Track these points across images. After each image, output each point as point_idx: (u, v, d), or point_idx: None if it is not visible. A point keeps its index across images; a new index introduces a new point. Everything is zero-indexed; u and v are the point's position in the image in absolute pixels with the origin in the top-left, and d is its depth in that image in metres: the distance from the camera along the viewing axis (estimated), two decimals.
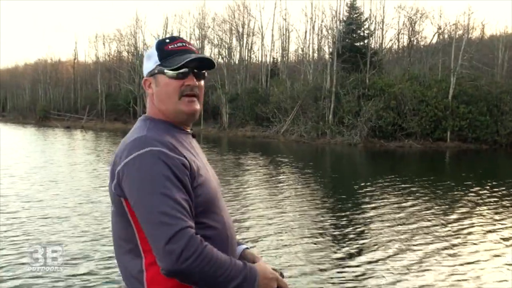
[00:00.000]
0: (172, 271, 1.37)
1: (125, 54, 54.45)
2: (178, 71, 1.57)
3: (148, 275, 1.48)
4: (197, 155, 1.62)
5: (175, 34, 49.03)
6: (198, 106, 1.62)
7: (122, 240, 1.55)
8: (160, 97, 1.60)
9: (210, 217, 1.55)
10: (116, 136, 33.18)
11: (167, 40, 1.62)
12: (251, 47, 45.98)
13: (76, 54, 59.36)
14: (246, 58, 45.56)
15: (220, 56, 47.05)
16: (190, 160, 1.51)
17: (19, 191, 11.66)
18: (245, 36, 45.25)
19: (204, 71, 1.64)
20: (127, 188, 1.46)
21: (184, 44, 1.62)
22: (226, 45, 46.92)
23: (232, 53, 47.00)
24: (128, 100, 45.30)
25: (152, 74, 1.61)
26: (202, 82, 1.65)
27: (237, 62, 45.24)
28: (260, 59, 45.09)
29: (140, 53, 49.77)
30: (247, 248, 1.79)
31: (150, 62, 1.62)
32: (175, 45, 1.60)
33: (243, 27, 45.18)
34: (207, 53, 47.96)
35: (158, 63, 1.59)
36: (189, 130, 1.68)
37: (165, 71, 1.57)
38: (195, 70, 1.61)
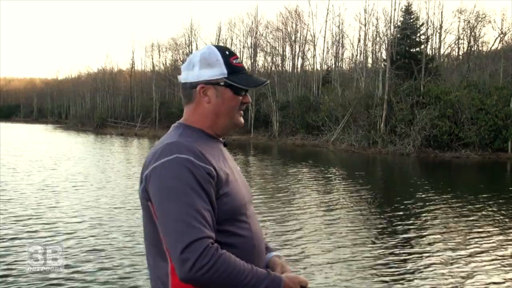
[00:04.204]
0: (186, 280, 1.38)
1: (179, 62, 55.41)
2: (243, 89, 1.62)
3: (173, 280, 1.48)
4: (227, 163, 1.62)
5: (228, 42, 49.55)
6: None
7: (150, 243, 1.57)
8: (220, 109, 1.62)
9: (236, 225, 1.55)
10: None
11: (227, 52, 1.64)
12: (304, 54, 45.51)
13: (133, 63, 60.90)
14: (298, 66, 45.13)
15: (273, 65, 46.95)
16: (217, 169, 1.51)
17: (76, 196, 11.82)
18: (297, 43, 44.85)
19: None
20: (151, 192, 1.48)
21: (240, 60, 1.67)
22: (278, 53, 46.70)
23: (284, 61, 46.70)
24: (181, 108, 45.31)
25: (213, 83, 1.60)
26: None
27: (289, 70, 44.87)
28: (312, 67, 44.56)
29: None
30: (278, 256, 1.75)
31: (213, 70, 1.60)
32: (237, 61, 1.64)
33: (295, 35, 44.81)
34: (259, 61, 48.08)
35: (226, 76, 1.60)
36: (221, 139, 1.69)
37: (237, 86, 1.60)
38: None
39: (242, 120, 1.68)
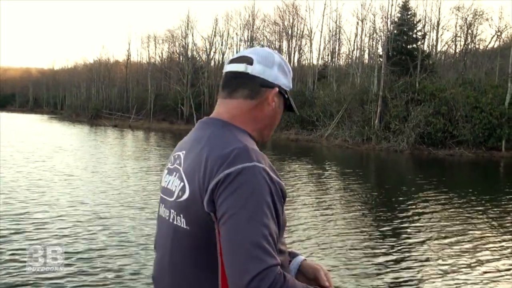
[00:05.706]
0: None
1: (175, 55, 55.26)
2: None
3: None
4: None
5: (225, 35, 49.34)
6: None
7: (193, 262, 1.35)
8: (274, 119, 1.51)
9: (281, 242, 1.40)
10: (163, 138, 33.61)
11: None
12: (300, 49, 45.42)
13: (129, 55, 60.64)
14: (295, 60, 45.00)
15: None
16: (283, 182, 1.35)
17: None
18: (294, 38, 44.74)
19: None
20: (221, 201, 1.25)
21: None
22: (275, 47, 46.57)
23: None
24: (176, 101, 45.87)
25: (282, 92, 1.48)
26: None
27: None
28: (309, 61, 44.51)
29: (190, 54, 50.19)
30: (305, 259, 1.61)
31: (286, 80, 1.49)
32: None
33: (292, 29, 44.70)
34: None
35: (289, 89, 1.51)
36: None
37: (291, 105, 1.52)
38: None
39: None
